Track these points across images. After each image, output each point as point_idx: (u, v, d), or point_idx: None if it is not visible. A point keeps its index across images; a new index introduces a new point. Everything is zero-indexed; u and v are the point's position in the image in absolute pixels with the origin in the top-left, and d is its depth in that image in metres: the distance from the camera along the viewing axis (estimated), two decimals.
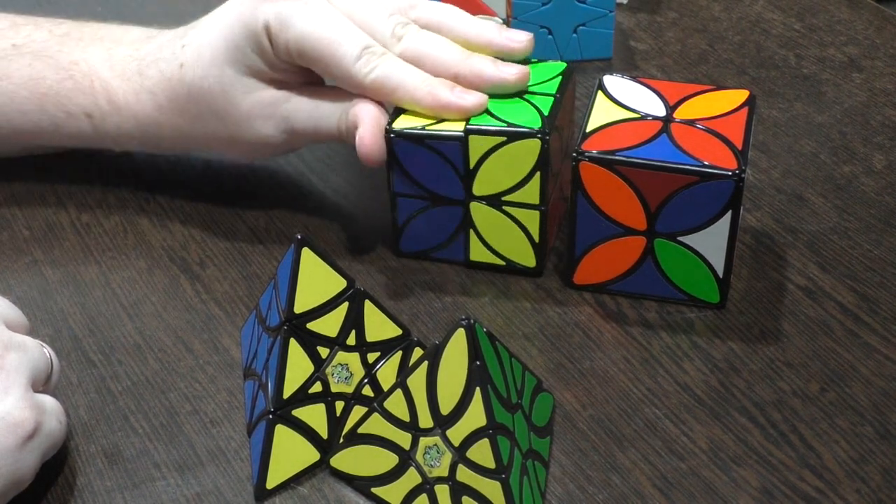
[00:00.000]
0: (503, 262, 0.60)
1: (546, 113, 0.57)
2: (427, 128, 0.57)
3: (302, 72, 0.60)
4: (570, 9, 0.74)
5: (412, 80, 0.57)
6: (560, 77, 0.60)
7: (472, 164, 0.57)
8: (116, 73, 0.62)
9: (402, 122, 0.57)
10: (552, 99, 0.58)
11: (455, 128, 0.57)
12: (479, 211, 0.59)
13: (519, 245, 0.59)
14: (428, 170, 0.58)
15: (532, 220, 0.58)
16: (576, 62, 0.75)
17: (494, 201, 0.58)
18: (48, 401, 0.49)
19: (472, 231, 0.59)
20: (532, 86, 0.59)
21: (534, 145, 0.56)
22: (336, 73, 0.58)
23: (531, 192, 0.57)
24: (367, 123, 0.57)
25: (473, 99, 0.57)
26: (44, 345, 0.51)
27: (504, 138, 0.56)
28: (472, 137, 0.56)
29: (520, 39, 0.60)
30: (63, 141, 0.65)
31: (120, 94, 0.62)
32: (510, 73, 0.58)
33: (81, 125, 0.63)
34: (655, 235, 0.56)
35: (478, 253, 0.60)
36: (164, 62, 0.61)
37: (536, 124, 0.56)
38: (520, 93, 0.58)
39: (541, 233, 0.59)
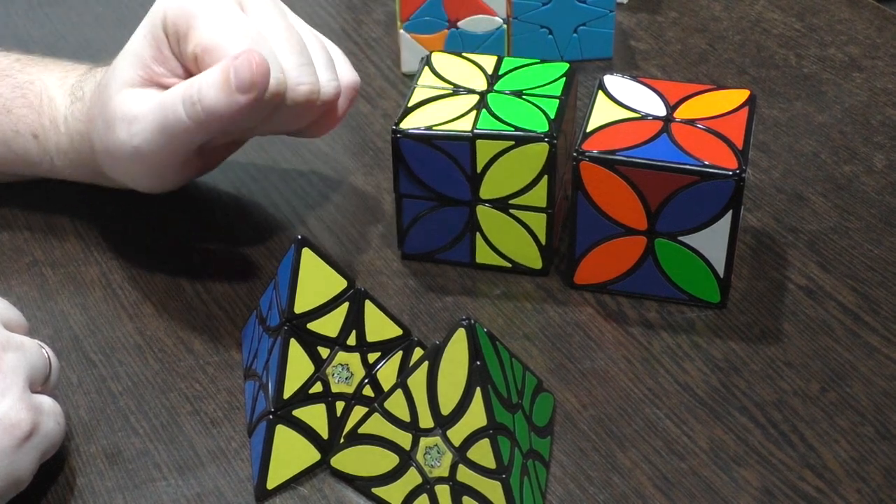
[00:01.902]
0: (509, 265, 0.60)
1: (553, 116, 0.57)
2: (434, 128, 0.57)
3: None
4: (570, 8, 0.74)
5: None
6: (564, 78, 0.60)
7: (479, 169, 0.57)
8: (66, 91, 0.61)
9: (409, 122, 0.57)
10: (557, 101, 0.58)
11: (463, 128, 0.57)
12: (485, 214, 0.58)
13: (525, 247, 0.59)
14: (435, 170, 0.58)
15: (539, 222, 0.58)
16: (576, 62, 0.75)
17: (501, 205, 0.58)
18: (46, 402, 0.49)
19: (478, 234, 0.59)
20: (536, 87, 0.59)
21: (541, 149, 0.56)
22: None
23: (538, 196, 0.57)
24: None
25: None
26: (43, 345, 0.51)
27: (511, 143, 0.56)
28: (479, 142, 0.56)
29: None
30: (8, 160, 0.63)
31: (62, 109, 0.61)
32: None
33: (28, 145, 0.62)
34: (656, 235, 0.56)
35: (484, 255, 0.60)
36: (99, 72, 0.60)
37: (544, 128, 0.56)
38: (524, 94, 0.58)
39: (547, 235, 0.58)
